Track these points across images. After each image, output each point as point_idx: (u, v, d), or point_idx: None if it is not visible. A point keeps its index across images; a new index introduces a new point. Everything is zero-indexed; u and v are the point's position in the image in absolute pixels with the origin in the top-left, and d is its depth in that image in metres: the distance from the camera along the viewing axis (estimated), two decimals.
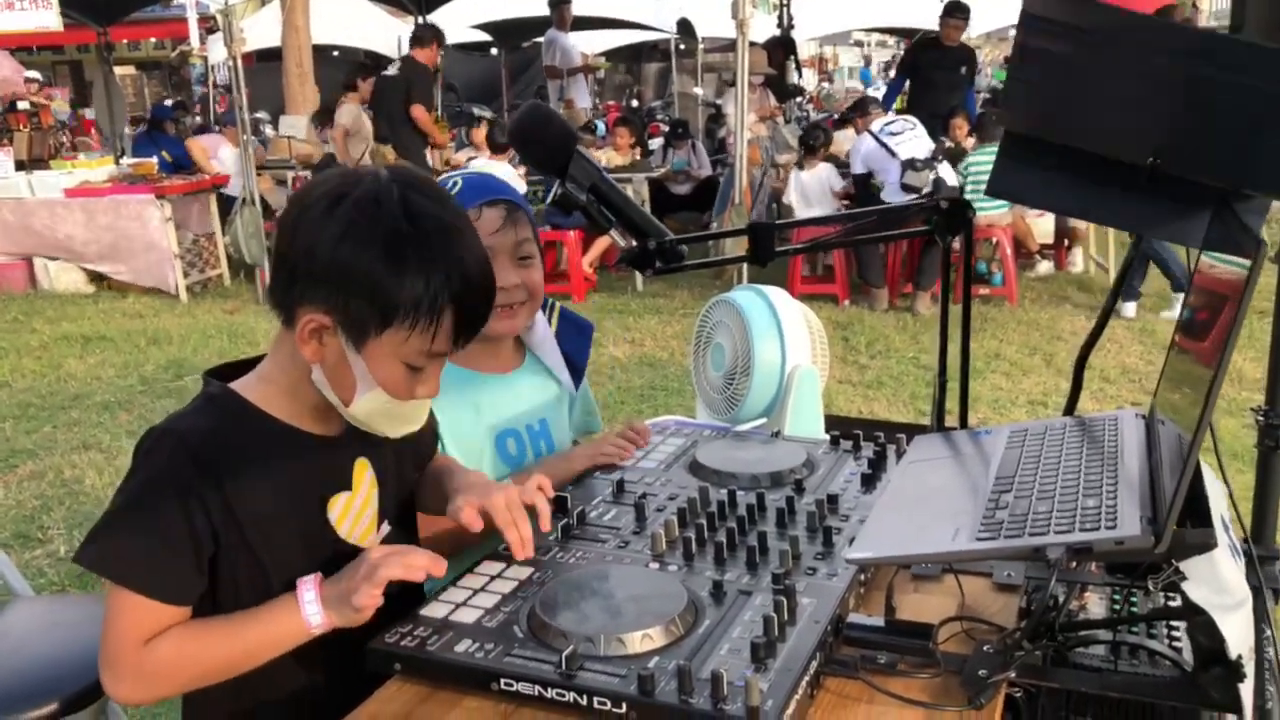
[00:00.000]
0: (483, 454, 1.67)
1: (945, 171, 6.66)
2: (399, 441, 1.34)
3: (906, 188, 6.50)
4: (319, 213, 1.17)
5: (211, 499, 1.19)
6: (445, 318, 1.18)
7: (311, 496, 1.29)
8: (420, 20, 11.86)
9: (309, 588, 1.21)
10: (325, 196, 1.18)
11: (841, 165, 7.38)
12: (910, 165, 6.52)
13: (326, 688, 1.28)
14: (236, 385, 1.29)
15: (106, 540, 1.20)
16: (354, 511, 1.33)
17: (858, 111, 8.11)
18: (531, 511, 1.34)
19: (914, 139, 6.69)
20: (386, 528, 1.37)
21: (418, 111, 7.75)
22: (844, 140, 7.84)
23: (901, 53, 9.58)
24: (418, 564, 1.20)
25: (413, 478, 1.46)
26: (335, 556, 1.28)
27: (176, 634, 1.21)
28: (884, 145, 6.70)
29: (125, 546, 1.19)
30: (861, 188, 6.94)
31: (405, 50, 9.74)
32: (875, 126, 6.96)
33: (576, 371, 1.84)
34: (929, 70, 8.13)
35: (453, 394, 1.57)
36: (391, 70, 7.85)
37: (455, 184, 1.65)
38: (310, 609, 1.20)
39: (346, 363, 1.21)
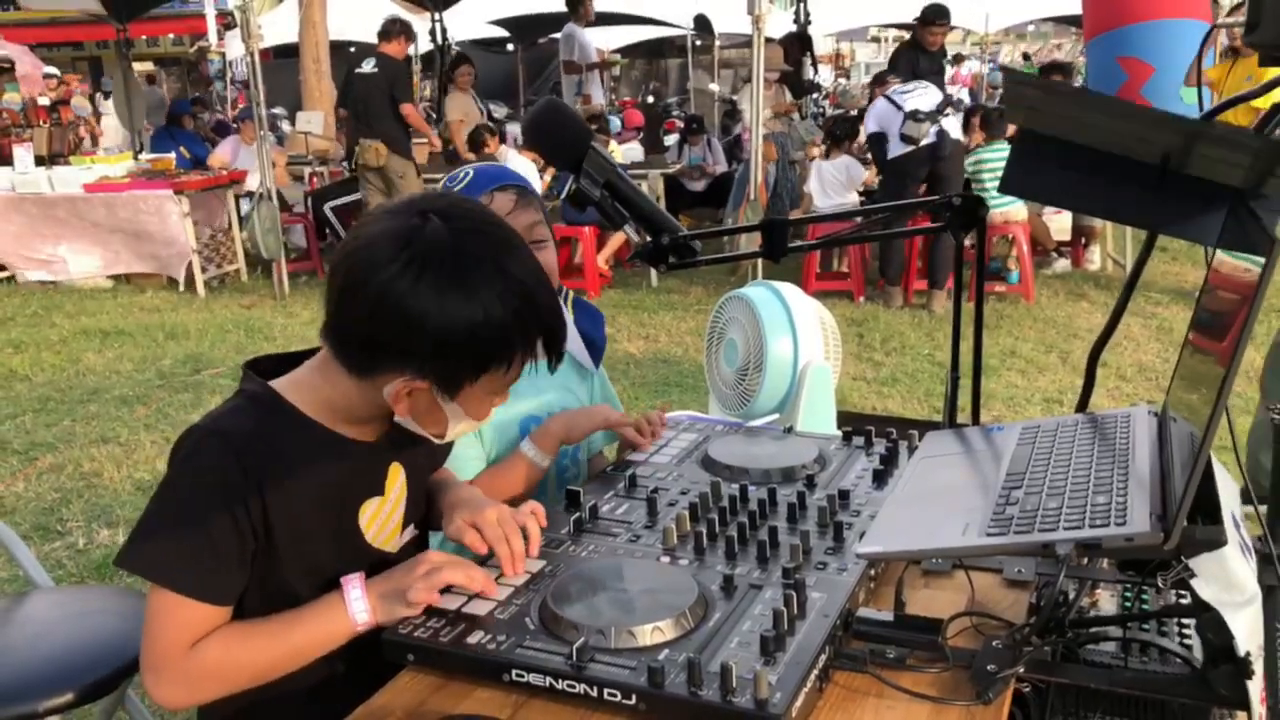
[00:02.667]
0: (513, 438, 1.73)
1: (951, 124, 6.60)
2: (424, 447, 1.35)
3: (904, 138, 6.48)
4: (387, 259, 1.15)
5: (253, 500, 1.20)
6: (526, 360, 1.22)
7: (346, 502, 1.31)
8: (435, 17, 11.87)
9: (354, 585, 1.23)
10: (391, 245, 1.15)
11: (863, 158, 7.38)
12: (912, 116, 6.47)
13: (344, 678, 1.30)
14: (276, 385, 1.29)
15: (149, 542, 1.20)
16: (382, 516, 1.35)
17: (876, 83, 8.14)
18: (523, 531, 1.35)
19: (922, 94, 6.63)
20: (412, 532, 1.40)
21: (409, 111, 7.83)
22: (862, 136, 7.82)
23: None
24: (478, 577, 1.24)
25: (431, 468, 1.47)
26: (359, 560, 1.30)
27: (222, 637, 1.22)
28: (893, 103, 6.67)
29: (169, 548, 1.19)
30: (876, 148, 6.90)
31: (420, 47, 9.75)
32: (890, 90, 6.93)
33: (596, 351, 1.89)
34: (916, 66, 8.12)
35: None
36: (367, 68, 7.82)
37: (467, 175, 1.69)
38: (357, 605, 1.21)
39: (438, 407, 1.23)
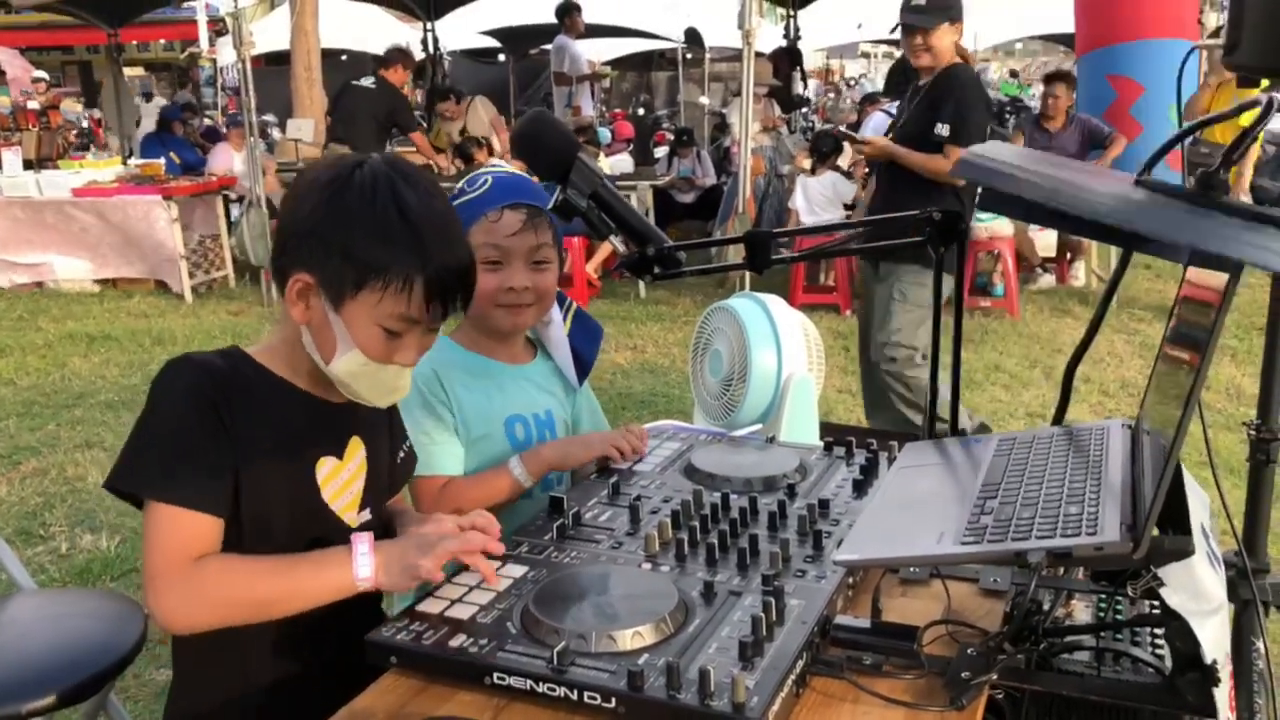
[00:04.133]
0: (495, 436, 1.75)
1: None
2: (388, 445, 1.42)
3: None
4: (315, 188, 1.27)
5: (227, 420, 1.26)
6: (416, 286, 1.25)
7: (304, 453, 1.35)
8: (428, 26, 11.91)
9: (363, 541, 1.26)
10: (323, 174, 1.28)
11: (849, 172, 7.42)
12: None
13: (317, 679, 1.32)
14: (244, 347, 1.38)
15: (136, 461, 1.25)
16: (340, 481, 1.37)
17: (867, 102, 8.17)
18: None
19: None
20: (367, 514, 1.41)
21: (418, 139, 8.09)
22: (849, 152, 7.85)
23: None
24: (474, 545, 1.29)
25: (389, 486, 1.49)
26: (316, 517, 1.33)
27: (223, 557, 1.25)
28: (891, 116, 6.70)
29: (156, 463, 1.24)
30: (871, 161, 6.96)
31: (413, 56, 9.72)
32: (888, 105, 6.97)
33: (584, 368, 1.90)
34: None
35: (473, 378, 1.75)
36: (365, 83, 7.87)
37: (486, 181, 1.71)
38: (362, 561, 1.25)
39: (329, 323, 1.28)
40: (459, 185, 1.74)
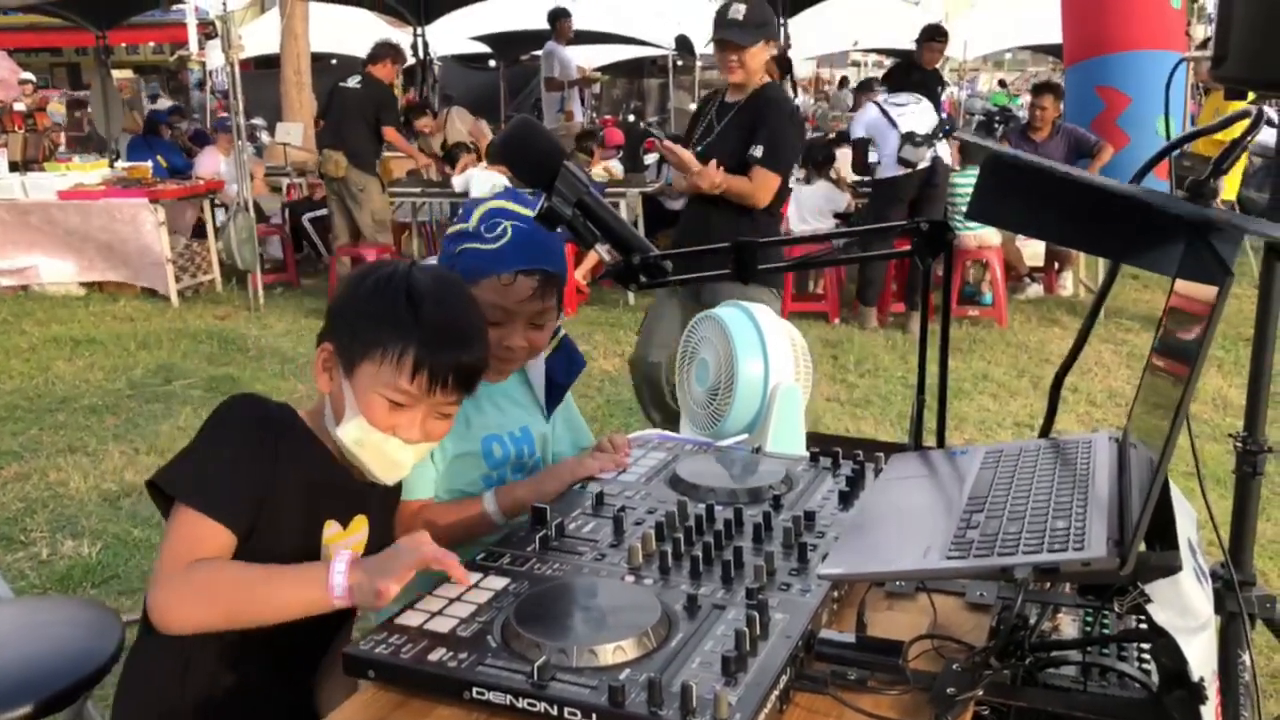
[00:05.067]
0: (473, 456, 1.75)
1: (944, 150, 6.60)
2: (387, 516, 1.55)
3: (902, 161, 6.45)
4: (356, 275, 1.47)
5: (268, 456, 1.37)
6: (407, 358, 1.37)
7: (319, 510, 1.45)
8: (417, 31, 11.89)
9: (341, 559, 1.27)
10: (361, 274, 1.47)
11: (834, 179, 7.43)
12: (909, 139, 6.44)
13: (256, 690, 1.41)
14: (294, 408, 1.49)
15: (181, 465, 1.36)
16: (339, 547, 1.43)
17: (862, 90, 8.15)
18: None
19: (918, 113, 6.59)
20: None
21: (390, 134, 7.84)
22: (840, 161, 7.86)
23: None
24: (429, 556, 1.27)
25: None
26: None
27: (216, 560, 1.32)
28: (886, 115, 6.62)
29: (194, 473, 1.35)
30: (860, 154, 6.90)
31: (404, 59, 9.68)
32: (880, 97, 6.90)
33: (556, 397, 1.89)
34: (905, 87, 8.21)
35: None
36: (351, 83, 7.81)
37: (505, 233, 1.67)
38: (338, 578, 1.26)
39: (342, 390, 1.42)
40: (472, 224, 1.70)
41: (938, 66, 8.36)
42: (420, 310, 1.39)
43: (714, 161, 3.70)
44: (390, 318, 1.38)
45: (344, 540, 1.47)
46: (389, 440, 1.41)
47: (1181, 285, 1.28)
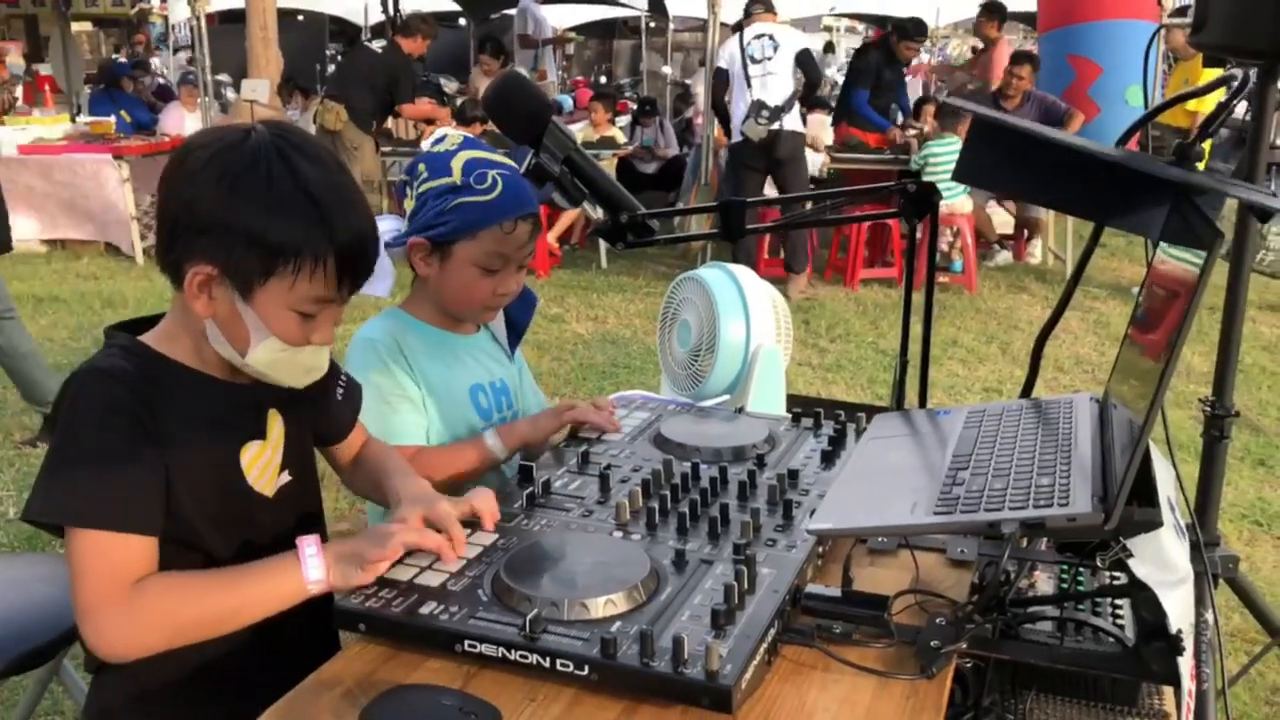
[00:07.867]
0: (462, 405, 1.76)
1: (793, 121, 6.45)
2: (304, 393, 1.35)
3: (743, 133, 6.42)
4: (200, 170, 1.17)
5: (150, 429, 1.19)
6: (329, 264, 1.19)
7: (227, 441, 1.30)
8: None
9: (310, 544, 1.21)
10: (204, 151, 1.18)
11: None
12: (756, 109, 6.32)
13: (254, 652, 1.28)
14: (143, 338, 1.29)
15: (54, 488, 1.16)
16: (263, 461, 1.33)
17: (747, 12, 7.24)
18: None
19: (775, 76, 6.38)
20: (286, 476, 1.37)
21: (407, 109, 7.76)
22: (815, 124, 7.84)
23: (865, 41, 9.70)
24: (434, 540, 1.24)
25: (313, 428, 1.45)
26: (246, 504, 1.30)
27: (161, 578, 1.19)
28: (745, 68, 6.43)
29: (78, 489, 1.15)
30: (719, 88, 6.76)
31: (371, 17, 9.54)
32: (749, 33, 6.53)
33: (516, 334, 1.91)
34: (880, 74, 8.21)
35: (434, 350, 1.75)
36: (376, 45, 7.69)
37: (496, 184, 1.65)
38: (311, 564, 1.20)
39: (238, 314, 1.22)
40: (458, 178, 1.66)
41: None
42: (325, 205, 1.18)
43: None
44: (292, 222, 1.17)
45: (268, 449, 1.33)
46: (302, 350, 1.26)
47: (1162, 255, 1.30)
